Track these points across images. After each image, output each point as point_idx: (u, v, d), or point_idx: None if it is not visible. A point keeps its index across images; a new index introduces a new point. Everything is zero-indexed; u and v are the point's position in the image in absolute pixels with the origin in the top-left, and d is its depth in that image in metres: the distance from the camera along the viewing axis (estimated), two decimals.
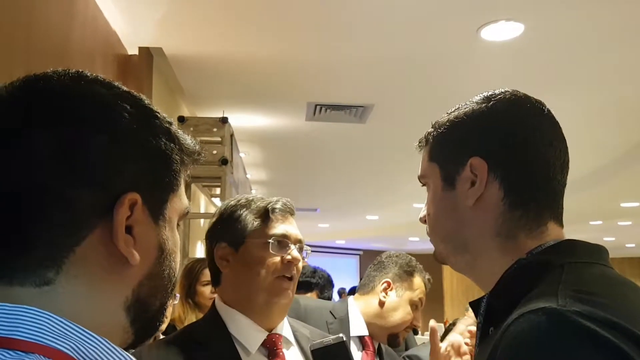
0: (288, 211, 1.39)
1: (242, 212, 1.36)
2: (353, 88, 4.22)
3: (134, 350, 1.04)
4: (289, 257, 1.32)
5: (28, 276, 0.55)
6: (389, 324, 1.96)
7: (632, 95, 4.30)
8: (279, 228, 1.34)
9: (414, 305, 2.00)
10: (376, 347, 1.99)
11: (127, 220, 0.58)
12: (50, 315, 0.52)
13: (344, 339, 1.26)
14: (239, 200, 1.39)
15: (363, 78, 4.02)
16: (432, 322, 1.50)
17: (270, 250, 1.31)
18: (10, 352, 0.49)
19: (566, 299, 0.69)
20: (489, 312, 0.86)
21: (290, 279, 1.33)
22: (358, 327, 1.96)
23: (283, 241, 1.33)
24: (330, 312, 1.98)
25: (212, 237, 1.38)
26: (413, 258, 2.10)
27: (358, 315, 1.99)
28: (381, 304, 1.99)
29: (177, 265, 0.67)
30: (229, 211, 1.38)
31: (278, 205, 1.37)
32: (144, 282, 0.62)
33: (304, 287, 3.26)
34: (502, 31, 3.16)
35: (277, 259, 1.31)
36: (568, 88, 4.10)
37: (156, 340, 1.39)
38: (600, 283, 0.76)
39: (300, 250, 1.37)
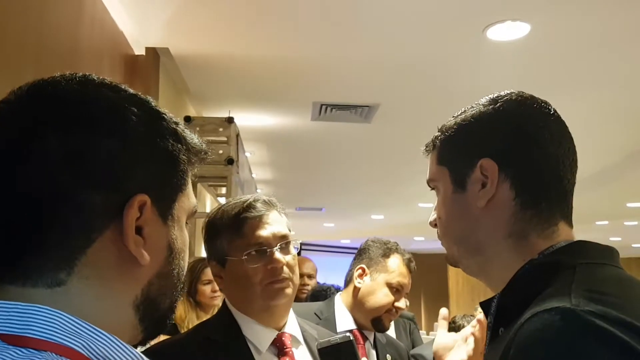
0: (263, 211, 1.33)
1: (219, 227, 1.33)
2: (358, 88, 4.23)
3: (142, 349, 1.05)
4: (270, 266, 1.28)
5: (40, 278, 0.56)
6: (367, 309, 1.92)
7: (639, 96, 4.29)
8: (253, 237, 1.30)
9: (392, 288, 1.94)
10: (372, 338, 1.96)
11: (136, 221, 0.59)
12: (61, 314, 0.54)
13: (352, 337, 1.26)
14: (216, 214, 1.37)
15: (368, 78, 4.02)
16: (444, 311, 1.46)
17: (248, 265, 1.28)
18: (23, 350, 0.50)
19: (579, 299, 0.69)
20: (500, 312, 0.86)
21: (283, 280, 1.30)
22: (344, 323, 1.94)
23: (260, 249, 1.29)
24: (314, 314, 1.95)
25: (206, 253, 1.39)
26: (391, 241, 2.05)
27: (344, 310, 1.97)
28: (356, 290, 1.96)
29: (186, 263, 0.68)
30: (209, 229, 1.37)
31: (249, 214, 1.31)
32: (153, 281, 0.63)
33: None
34: (508, 31, 3.15)
35: (260, 267, 1.28)
36: (574, 88, 4.09)
37: (171, 339, 1.40)
38: (613, 284, 0.76)
39: (287, 245, 1.33)
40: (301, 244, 1.46)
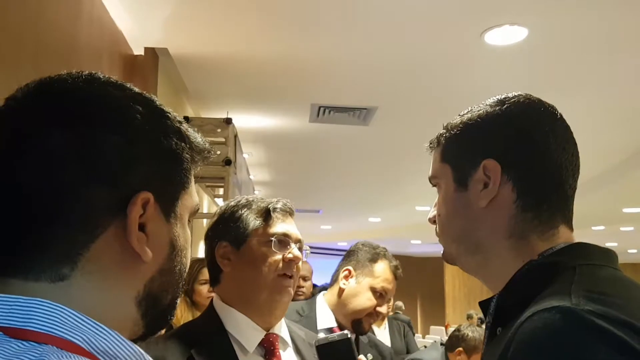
0: (288, 211, 1.41)
1: (243, 211, 1.37)
2: (357, 90, 4.24)
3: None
4: (290, 255, 1.34)
5: (43, 272, 0.56)
6: (349, 311, 1.96)
7: (635, 100, 4.31)
8: (280, 227, 1.36)
9: (376, 292, 1.97)
10: (353, 337, 1.99)
11: (140, 218, 0.60)
12: (62, 308, 0.54)
13: (349, 335, 1.27)
14: (239, 201, 1.41)
15: (367, 80, 4.03)
16: None
17: (273, 248, 1.32)
18: (25, 343, 0.51)
19: (580, 299, 0.69)
20: (499, 312, 0.86)
21: (291, 277, 1.34)
22: (325, 320, 1.97)
23: (284, 240, 1.35)
24: (296, 311, 1.99)
25: (213, 237, 1.39)
26: (380, 246, 2.08)
27: (325, 308, 2.01)
28: (340, 291, 1.99)
29: (188, 261, 0.69)
30: (229, 211, 1.39)
31: (279, 205, 1.39)
32: (155, 277, 0.63)
33: None
34: (506, 35, 3.17)
35: (279, 257, 1.33)
36: (571, 92, 4.11)
37: (155, 338, 1.39)
38: (612, 284, 0.77)
39: (300, 249, 1.39)
40: None
